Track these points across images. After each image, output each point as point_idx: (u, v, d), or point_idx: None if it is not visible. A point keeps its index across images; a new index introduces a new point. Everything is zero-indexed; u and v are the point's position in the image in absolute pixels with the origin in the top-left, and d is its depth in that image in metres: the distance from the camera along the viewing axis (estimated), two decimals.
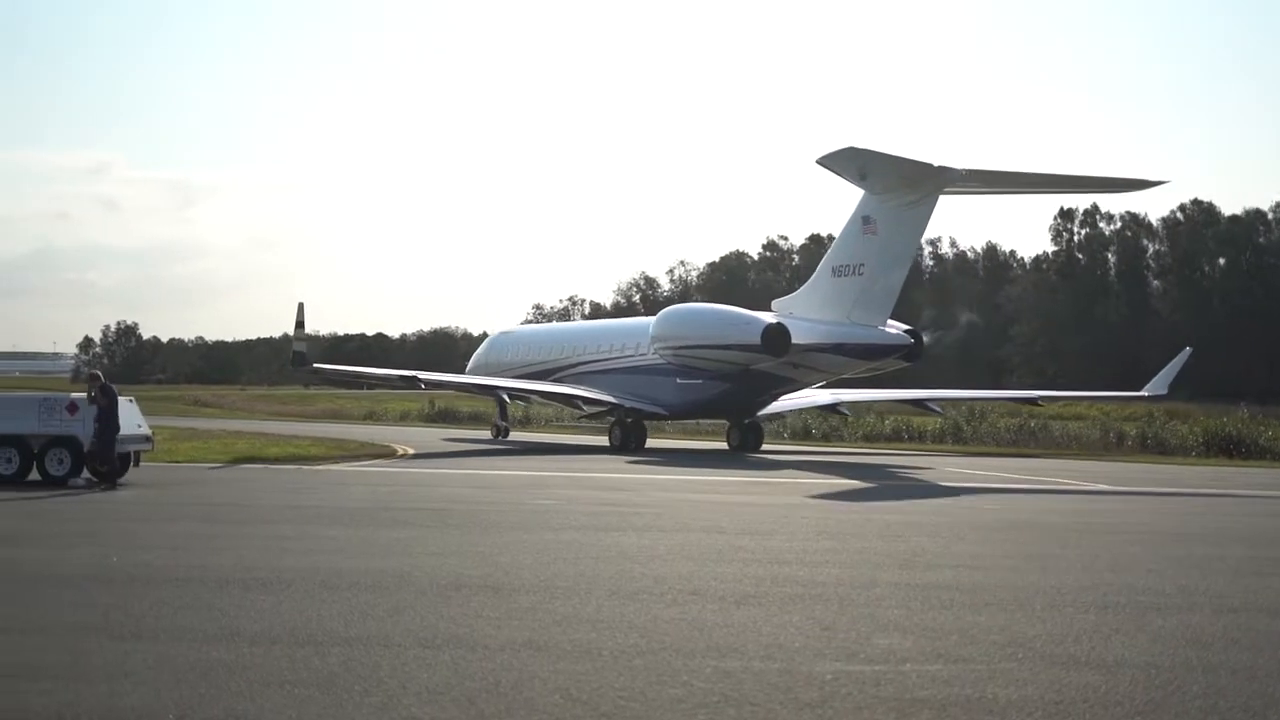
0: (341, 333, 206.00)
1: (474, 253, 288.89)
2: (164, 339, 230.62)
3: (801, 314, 49.99)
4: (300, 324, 50.24)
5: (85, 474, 30.74)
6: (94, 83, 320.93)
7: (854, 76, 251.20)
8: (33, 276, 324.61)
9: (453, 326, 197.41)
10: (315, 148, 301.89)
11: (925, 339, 51.04)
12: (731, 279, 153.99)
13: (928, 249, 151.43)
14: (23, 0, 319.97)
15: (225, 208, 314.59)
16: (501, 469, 39.13)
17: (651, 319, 56.70)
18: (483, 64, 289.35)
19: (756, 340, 48.89)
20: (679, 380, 52.68)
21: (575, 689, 10.16)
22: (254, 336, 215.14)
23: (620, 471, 38.56)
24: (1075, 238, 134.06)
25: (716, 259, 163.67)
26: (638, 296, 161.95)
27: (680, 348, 51.83)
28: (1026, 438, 61.73)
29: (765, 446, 55.33)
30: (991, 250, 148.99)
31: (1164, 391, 58.54)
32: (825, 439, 64.24)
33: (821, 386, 55.99)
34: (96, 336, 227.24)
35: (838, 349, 48.74)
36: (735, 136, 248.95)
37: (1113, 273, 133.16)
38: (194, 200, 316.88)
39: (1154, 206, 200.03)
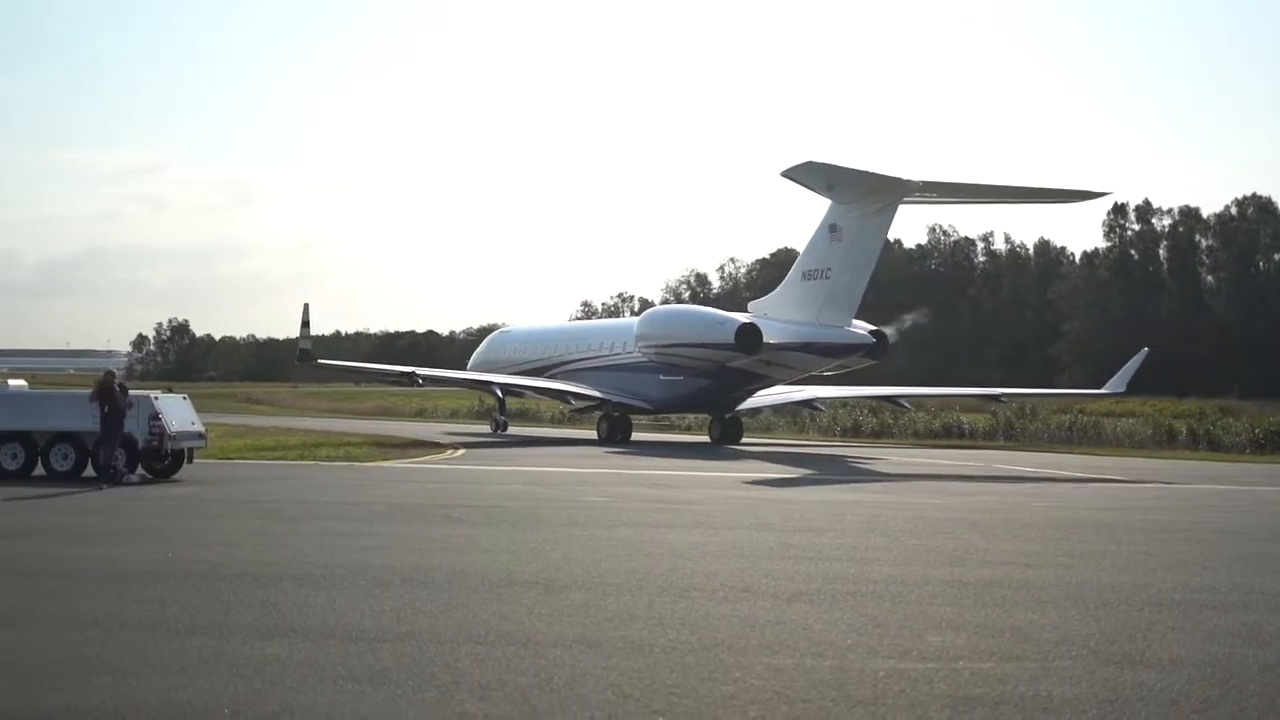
0: (392, 330, 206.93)
1: (524, 250, 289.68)
2: (216, 336, 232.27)
3: (774, 315, 54.22)
4: (305, 324, 55.50)
5: (140, 470, 31.02)
6: (145, 83, 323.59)
7: (899, 72, 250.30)
8: (85, 275, 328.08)
9: (502, 323, 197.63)
10: (366, 147, 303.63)
11: (890, 338, 55.88)
12: (782, 275, 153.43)
13: (980, 244, 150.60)
14: (74, 2, 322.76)
15: (276, 207, 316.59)
16: (549, 466, 39.20)
17: (636, 319, 60.73)
18: (532, 63, 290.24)
19: (731, 339, 53.12)
20: (662, 377, 56.88)
21: (627, 685, 10.16)
22: (314, 332, 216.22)
23: (668, 469, 38.62)
24: (1127, 233, 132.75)
25: (767, 255, 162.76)
26: (687, 294, 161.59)
27: (662, 346, 56.03)
28: (1078, 435, 61.55)
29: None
30: (1044, 246, 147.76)
31: (1122, 389, 60.74)
32: (876, 436, 65.13)
33: (803, 382, 59.77)
34: (150, 334, 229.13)
35: (807, 348, 53.12)
36: (785, 132, 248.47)
37: (1165, 269, 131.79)
38: (245, 199, 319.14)
39: (1209, 202, 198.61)
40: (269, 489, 29.30)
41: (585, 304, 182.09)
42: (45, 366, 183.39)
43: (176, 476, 31.52)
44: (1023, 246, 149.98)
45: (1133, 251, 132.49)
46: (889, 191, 50.85)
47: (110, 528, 21.43)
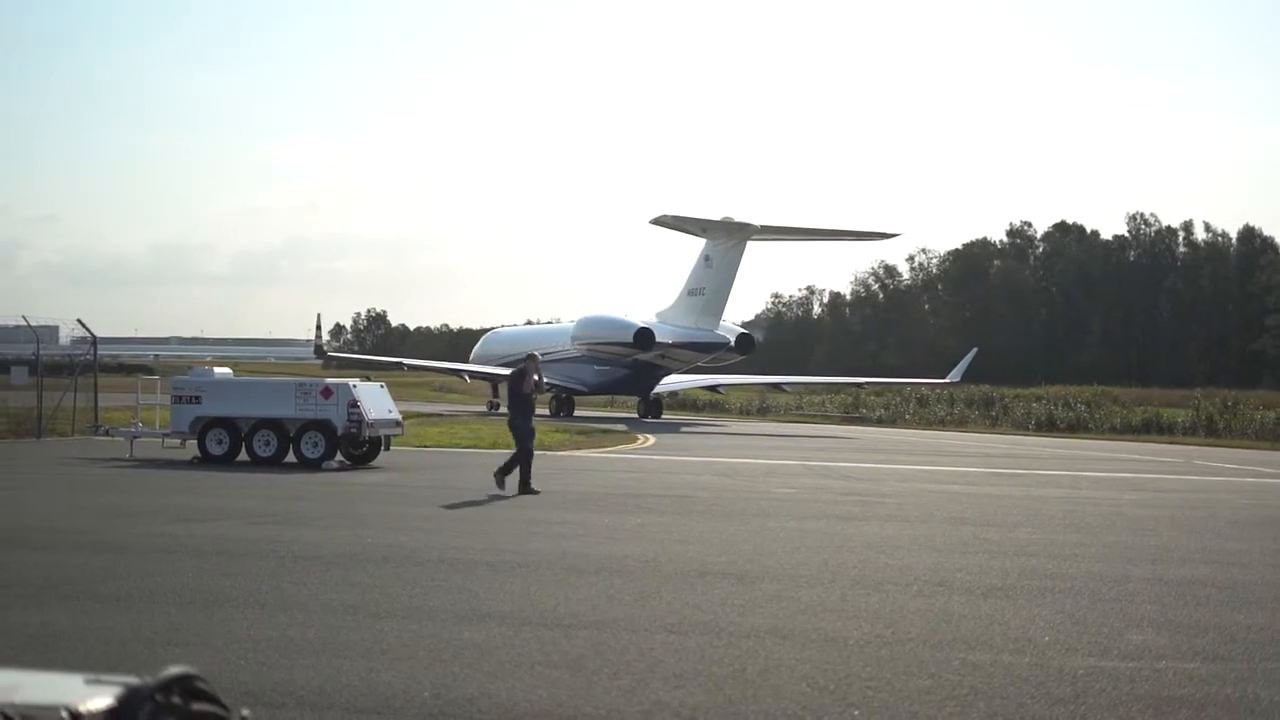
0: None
1: None
2: (411, 327, 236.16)
3: (670, 321, 70.57)
4: (319, 327, 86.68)
5: (339, 457, 31.71)
6: (340, 77, 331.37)
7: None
8: (285, 265, 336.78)
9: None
10: (547, 142, 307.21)
11: (757, 337, 78.07)
12: (974, 268, 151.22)
13: (1181, 234, 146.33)
14: (275, 1, 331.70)
15: (466, 198, 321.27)
16: (736, 458, 39.26)
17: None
18: (747, 56, 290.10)
19: (630, 339, 68.08)
20: (595, 367, 71.58)
21: (821, 677, 10.14)
22: (498, 324, 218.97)
23: (860, 461, 38.42)
24: None
25: (959, 246, 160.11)
26: (876, 285, 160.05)
27: (589, 344, 71.04)
28: None
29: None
30: (1248, 234, 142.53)
31: (959, 379, 75.07)
32: (1071, 429, 64.76)
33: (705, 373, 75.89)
34: (347, 323, 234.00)
35: (689, 345, 69.33)
36: (978, 114, 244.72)
37: None
38: (435, 190, 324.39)
39: None
40: (463, 476, 29.72)
41: (775, 295, 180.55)
42: (248, 355, 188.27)
43: (373, 463, 32.18)
44: (1224, 235, 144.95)
45: None
46: (740, 232, 69.35)
47: (313, 513, 21.94)
